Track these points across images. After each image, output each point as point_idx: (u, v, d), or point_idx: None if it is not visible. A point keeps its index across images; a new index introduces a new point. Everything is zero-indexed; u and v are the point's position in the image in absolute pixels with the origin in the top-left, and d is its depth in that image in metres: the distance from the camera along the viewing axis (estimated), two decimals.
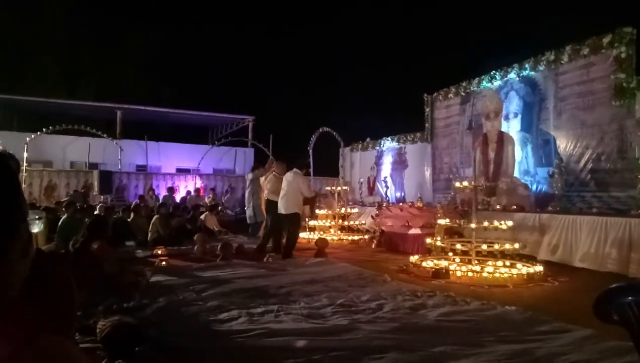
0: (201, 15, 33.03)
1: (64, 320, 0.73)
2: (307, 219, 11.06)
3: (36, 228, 6.44)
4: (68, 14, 25.37)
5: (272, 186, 8.63)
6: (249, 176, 10.70)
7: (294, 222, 7.83)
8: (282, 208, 7.82)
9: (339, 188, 11.62)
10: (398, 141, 13.87)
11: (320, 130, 15.63)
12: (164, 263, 6.99)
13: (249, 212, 10.51)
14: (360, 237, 10.42)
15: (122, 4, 30.02)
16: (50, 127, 16.52)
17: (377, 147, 14.79)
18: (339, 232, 10.74)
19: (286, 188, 7.82)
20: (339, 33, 31.62)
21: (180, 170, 20.38)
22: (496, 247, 6.25)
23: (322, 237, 9.59)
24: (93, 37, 26.43)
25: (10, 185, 0.63)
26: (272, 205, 8.32)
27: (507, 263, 6.24)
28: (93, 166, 17.70)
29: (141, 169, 19.83)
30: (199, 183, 17.48)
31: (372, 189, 14.58)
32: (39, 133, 16.47)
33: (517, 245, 6.35)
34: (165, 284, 5.35)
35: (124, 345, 2.98)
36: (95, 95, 23.59)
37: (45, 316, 0.60)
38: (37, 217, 6.89)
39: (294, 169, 7.99)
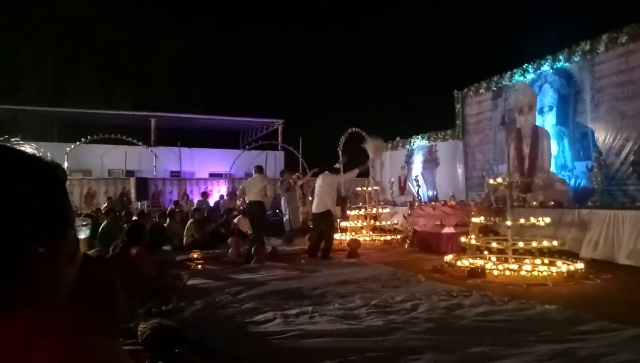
0: (229, 22, 33.53)
1: (111, 323, 0.77)
2: (338, 220, 11.07)
3: (82, 234, 6.68)
4: (103, 27, 26.28)
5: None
6: (281, 187, 10.74)
7: (328, 221, 7.94)
8: (313, 209, 8.11)
9: (369, 188, 11.58)
10: (429, 139, 13.71)
11: (350, 130, 15.57)
12: (199, 266, 7.14)
13: (285, 218, 10.59)
14: (393, 237, 10.35)
15: (154, 12, 30.88)
16: (89, 137, 17.11)
17: (408, 146, 14.66)
18: (371, 233, 10.69)
19: (317, 190, 8.06)
20: (367, 33, 31.64)
21: (213, 175, 20.72)
22: (534, 244, 6.08)
23: (354, 237, 9.57)
24: (128, 47, 27.30)
25: (59, 193, 0.67)
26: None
27: (546, 261, 6.06)
28: (130, 173, 18.21)
29: (175, 174, 20.26)
30: (223, 189, 17.64)
31: (403, 189, 14.44)
32: (77, 143, 17.09)
33: (555, 243, 6.17)
34: (202, 287, 5.46)
35: (164, 347, 3.06)
36: (131, 105, 24.31)
37: (93, 318, 0.63)
38: (83, 223, 7.15)
39: (325, 172, 8.29)
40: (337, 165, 8.88)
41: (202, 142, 23.03)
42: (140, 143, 18.80)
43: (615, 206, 7.24)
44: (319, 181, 8.13)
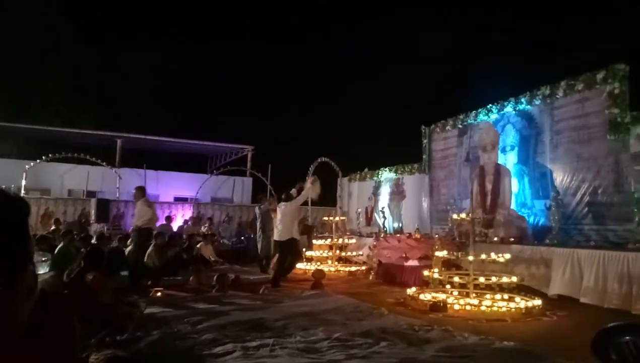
0: (200, 44, 33.64)
1: (65, 359, 0.75)
2: (304, 249, 11.01)
3: (41, 269, 6.39)
4: (70, 43, 25.88)
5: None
6: (260, 209, 10.69)
7: (292, 248, 7.96)
8: (276, 236, 8.33)
9: (336, 218, 11.62)
10: (396, 172, 13.94)
11: (319, 159, 15.72)
12: (159, 294, 6.93)
13: (259, 245, 10.48)
14: (358, 268, 10.35)
15: (123, 33, 30.69)
16: (50, 155, 16.60)
17: (375, 178, 14.85)
18: (336, 263, 10.67)
19: (280, 219, 8.26)
20: (337, 62, 32.27)
21: (178, 199, 20.38)
22: (494, 279, 6.21)
23: (319, 268, 9.53)
24: (94, 66, 26.89)
25: (20, 228, 0.66)
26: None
27: (506, 296, 6.19)
28: (91, 194, 17.70)
29: None
30: (188, 214, 17.31)
31: (369, 219, 14.55)
32: (38, 161, 16.54)
33: (515, 278, 6.32)
34: (160, 316, 5.30)
35: None
36: (95, 124, 23.83)
37: (46, 357, 0.62)
38: (42, 259, 6.84)
39: (284, 201, 8.59)
40: (293, 191, 8.94)
41: (169, 165, 22.73)
42: (104, 163, 18.37)
43: (571, 244, 7.50)
44: (280, 210, 8.40)
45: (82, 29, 26.80)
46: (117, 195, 17.85)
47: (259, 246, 10.37)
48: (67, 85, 26.33)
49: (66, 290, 4.39)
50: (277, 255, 8.83)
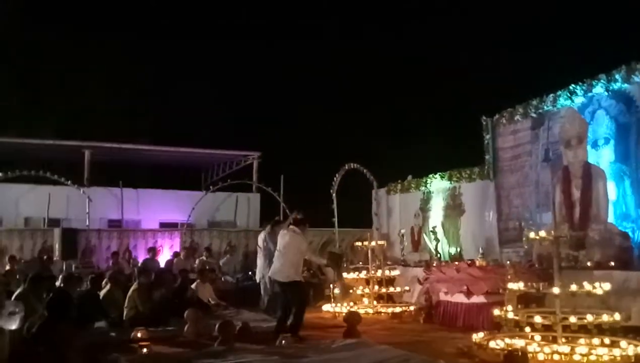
0: (184, 26, 34.20)
1: None
2: (331, 286, 11.00)
3: (13, 324, 6.44)
4: (25, 35, 26.58)
5: None
6: (264, 234, 10.77)
7: (297, 292, 7.99)
8: (277, 275, 8.17)
9: (373, 243, 11.58)
10: (450, 179, 13.86)
11: (347, 167, 15.75)
12: (145, 350, 7.00)
13: (263, 281, 10.53)
14: (404, 308, 10.29)
15: (93, 18, 31.42)
16: (0, 174, 16.98)
17: (422, 188, 14.78)
18: (375, 303, 10.63)
19: (281, 249, 8.17)
20: (369, 43, 32.24)
21: (165, 225, 20.57)
22: (589, 318, 6.11)
23: (352, 309, 9.48)
24: (55, 62, 27.52)
25: None
26: None
27: (607, 340, 6.08)
28: (54, 222, 18.01)
29: (115, 224, 20.07)
30: (177, 245, 17.45)
31: (417, 243, 14.46)
32: None
33: (618, 316, 6.20)
34: None
35: None
36: (57, 132, 24.26)
37: None
38: (14, 309, 6.80)
39: (290, 227, 8.40)
40: (293, 216, 8.90)
41: (151, 181, 22.96)
42: (69, 182, 18.62)
43: None
44: (284, 237, 8.25)
45: (40, 13, 27.57)
46: (87, 223, 18.11)
47: (261, 281, 10.51)
48: (21, 85, 26.95)
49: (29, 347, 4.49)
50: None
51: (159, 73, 31.15)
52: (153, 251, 15.22)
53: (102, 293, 9.66)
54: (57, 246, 15.11)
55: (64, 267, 13.99)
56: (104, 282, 10.17)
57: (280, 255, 8.19)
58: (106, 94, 27.63)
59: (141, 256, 15.91)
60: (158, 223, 21.02)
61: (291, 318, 7.87)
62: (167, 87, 31.70)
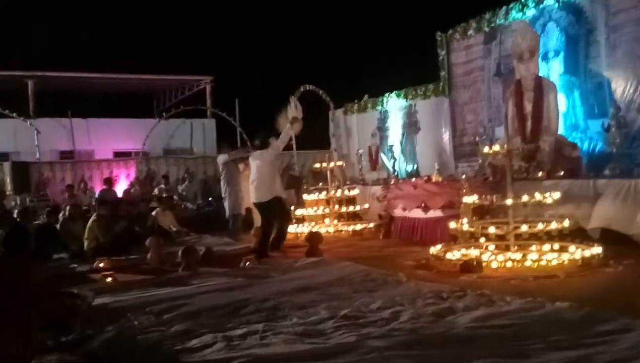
0: None
1: None
2: (292, 207, 11.10)
3: None
4: None
5: None
6: (221, 159, 10.73)
7: (277, 209, 8.19)
8: (254, 198, 8.35)
9: (332, 164, 11.64)
10: (406, 97, 13.86)
11: (302, 89, 15.54)
12: (109, 279, 7.01)
13: (226, 204, 10.55)
14: (364, 226, 10.50)
15: None
16: None
17: (379, 107, 14.78)
18: (335, 222, 10.81)
19: (255, 175, 8.26)
20: None
21: (119, 154, 20.26)
22: (540, 226, 6.34)
23: (313, 230, 9.64)
24: None
25: None
26: None
27: (556, 246, 6.35)
28: (2, 157, 17.50)
29: (67, 155, 19.65)
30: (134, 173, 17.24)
31: (375, 163, 14.60)
32: None
33: (567, 223, 6.44)
34: (114, 307, 5.38)
35: None
36: None
37: None
38: None
39: (258, 150, 8.48)
40: (272, 139, 8.80)
41: (101, 110, 22.40)
42: (14, 114, 18.08)
43: (638, 174, 7.59)
44: (255, 162, 8.36)
45: None
46: (38, 156, 17.69)
47: (226, 205, 10.49)
48: None
49: None
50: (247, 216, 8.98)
51: None
52: (109, 181, 15.00)
53: (59, 226, 9.54)
54: (8, 180, 14.74)
55: (18, 201, 13.75)
56: (60, 215, 10.05)
57: (255, 179, 8.27)
58: (49, 21, 26.34)
59: (97, 187, 15.71)
60: (112, 152, 20.72)
61: (274, 233, 8.09)
62: (113, 10, 30.22)
